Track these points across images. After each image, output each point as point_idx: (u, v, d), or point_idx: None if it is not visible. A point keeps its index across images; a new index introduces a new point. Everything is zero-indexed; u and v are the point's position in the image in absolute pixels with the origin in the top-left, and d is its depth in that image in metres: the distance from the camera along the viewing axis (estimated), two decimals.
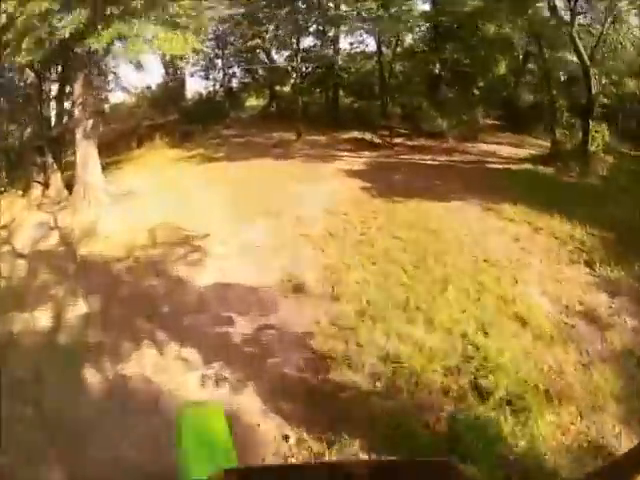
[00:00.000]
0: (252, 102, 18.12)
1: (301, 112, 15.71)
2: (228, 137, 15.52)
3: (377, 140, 15.38)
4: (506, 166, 12.18)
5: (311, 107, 17.48)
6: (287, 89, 17.59)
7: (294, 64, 15.36)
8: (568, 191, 10.24)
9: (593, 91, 11.65)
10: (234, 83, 17.50)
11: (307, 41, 16.06)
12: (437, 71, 15.78)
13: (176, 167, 12.59)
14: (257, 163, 12.70)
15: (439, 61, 15.48)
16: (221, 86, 17.13)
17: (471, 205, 9.13)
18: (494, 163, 12.61)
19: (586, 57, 11.60)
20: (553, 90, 12.99)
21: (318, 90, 17.66)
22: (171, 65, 16.53)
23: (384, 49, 16.62)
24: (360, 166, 12.49)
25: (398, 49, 16.45)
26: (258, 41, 15.88)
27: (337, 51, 16.43)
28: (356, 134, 15.67)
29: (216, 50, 15.94)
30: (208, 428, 2.43)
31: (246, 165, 12.50)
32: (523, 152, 13.61)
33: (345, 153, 14.14)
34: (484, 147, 14.41)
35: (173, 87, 17.08)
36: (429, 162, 12.68)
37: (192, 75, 17.08)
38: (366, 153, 14.09)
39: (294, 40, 15.36)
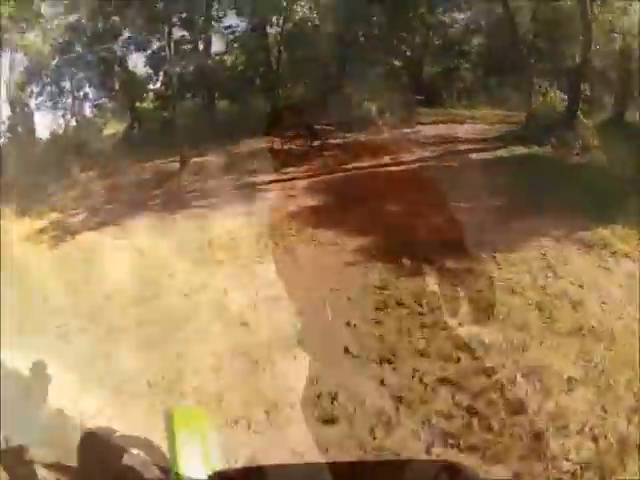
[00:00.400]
0: (111, 129, 12.87)
1: (171, 128, 11.77)
2: (88, 183, 10.91)
3: (290, 146, 11.47)
4: (495, 154, 9.35)
5: (182, 119, 12.78)
6: (150, 103, 12.84)
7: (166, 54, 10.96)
8: (607, 182, 7.52)
9: (591, 49, 9.19)
10: (87, 108, 13.30)
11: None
12: (345, 43, 12.18)
13: (20, 263, 7.49)
14: (139, 234, 8.08)
15: (344, 31, 12.03)
16: (72, 115, 12.87)
17: (562, 244, 5.79)
18: (474, 151, 9.70)
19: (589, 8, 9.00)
20: (522, 48, 10.13)
21: (189, 95, 12.98)
22: (16, 101, 12.19)
23: (269, 28, 12.59)
24: (311, 197, 8.57)
25: (288, 25, 12.44)
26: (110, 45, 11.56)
27: (209, 41, 12.39)
28: (255, 144, 11.55)
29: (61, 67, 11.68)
30: (197, 428, 1.88)
31: (121, 242, 7.76)
32: (478, 129, 10.83)
33: (263, 177, 10.10)
34: (427, 131, 11.39)
35: (20, 128, 12.72)
36: (399, 169, 9.19)
37: (39, 108, 12.84)
38: (292, 170, 10.23)
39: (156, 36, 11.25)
